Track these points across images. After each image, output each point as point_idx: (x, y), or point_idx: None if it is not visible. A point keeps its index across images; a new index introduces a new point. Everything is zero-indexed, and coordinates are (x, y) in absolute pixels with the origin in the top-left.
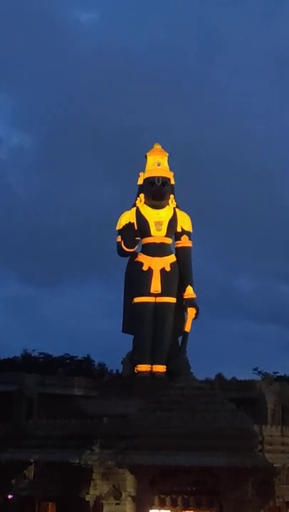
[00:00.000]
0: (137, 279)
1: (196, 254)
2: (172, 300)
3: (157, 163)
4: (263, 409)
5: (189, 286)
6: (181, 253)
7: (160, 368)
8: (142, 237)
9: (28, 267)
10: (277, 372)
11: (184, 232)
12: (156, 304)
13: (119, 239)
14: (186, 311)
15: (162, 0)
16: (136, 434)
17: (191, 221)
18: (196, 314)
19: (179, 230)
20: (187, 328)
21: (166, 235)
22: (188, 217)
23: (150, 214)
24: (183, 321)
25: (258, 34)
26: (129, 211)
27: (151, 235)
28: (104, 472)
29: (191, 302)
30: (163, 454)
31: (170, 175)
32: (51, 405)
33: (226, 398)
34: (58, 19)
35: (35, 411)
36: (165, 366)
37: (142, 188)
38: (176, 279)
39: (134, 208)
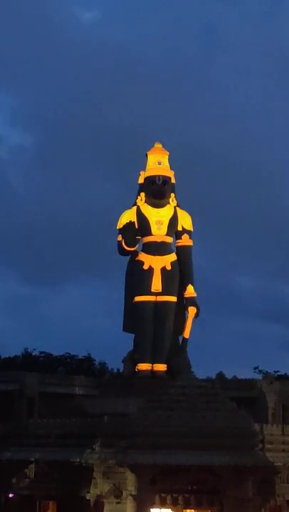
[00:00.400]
0: (137, 278)
1: (196, 253)
2: (173, 299)
3: (158, 162)
4: (264, 408)
5: (190, 285)
6: (182, 252)
7: (161, 367)
8: (143, 236)
9: (28, 266)
10: (277, 371)
11: (184, 231)
12: (156, 302)
13: (119, 238)
14: (186, 310)
15: (162, 0)
16: (136, 433)
17: (192, 220)
18: (197, 313)
19: (179, 228)
20: (186, 334)
21: (167, 234)
22: (189, 216)
23: (151, 213)
24: (184, 320)
25: (258, 34)
26: (130, 210)
27: (151, 234)
28: (104, 471)
29: (192, 301)
30: (164, 453)
31: (171, 174)
32: (52, 404)
33: (227, 397)
34: (58, 18)
35: (35, 410)
36: (166, 365)
37: (142, 187)
38: (177, 277)
39: (135, 207)
